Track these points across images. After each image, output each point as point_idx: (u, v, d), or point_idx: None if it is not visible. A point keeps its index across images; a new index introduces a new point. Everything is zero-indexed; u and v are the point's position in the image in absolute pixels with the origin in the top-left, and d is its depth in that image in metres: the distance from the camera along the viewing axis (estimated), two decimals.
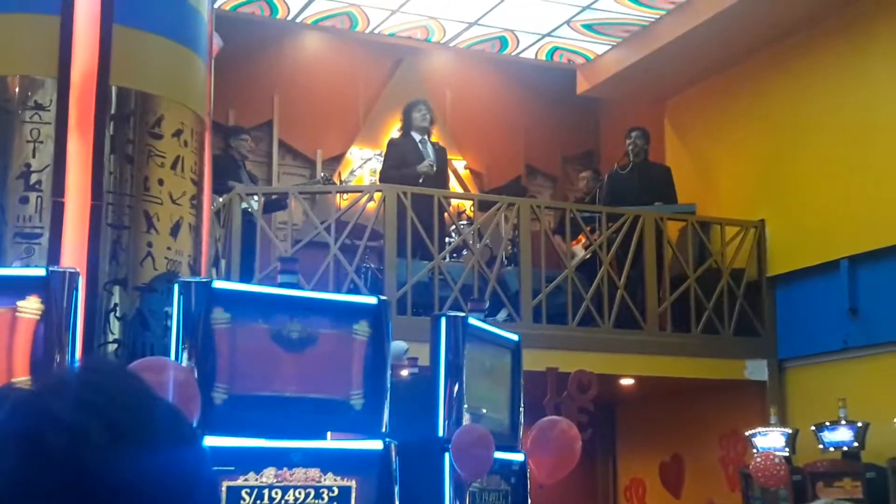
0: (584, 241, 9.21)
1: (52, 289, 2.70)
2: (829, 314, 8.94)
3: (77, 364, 2.40)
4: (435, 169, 8.96)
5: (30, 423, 0.84)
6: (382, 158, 9.47)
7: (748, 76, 9.99)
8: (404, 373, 5.18)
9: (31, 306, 2.67)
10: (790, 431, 8.56)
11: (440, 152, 9.24)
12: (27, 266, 3.08)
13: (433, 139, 9.30)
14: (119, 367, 0.97)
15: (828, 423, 8.23)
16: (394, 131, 9.78)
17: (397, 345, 5.65)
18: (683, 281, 9.13)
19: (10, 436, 0.84)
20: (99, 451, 0.84)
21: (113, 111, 3.38)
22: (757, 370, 9.36)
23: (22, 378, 2.68)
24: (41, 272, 2.77)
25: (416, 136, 9.06)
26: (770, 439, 8.49)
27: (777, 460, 8.04)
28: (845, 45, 9.07)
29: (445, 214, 8.84)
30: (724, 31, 9.45)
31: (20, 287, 2.74)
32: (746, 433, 8.76)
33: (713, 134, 10.44)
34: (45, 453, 0.83)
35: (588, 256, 9.08)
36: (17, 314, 2.68)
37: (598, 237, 8.96)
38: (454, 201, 9.68)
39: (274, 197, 8.79)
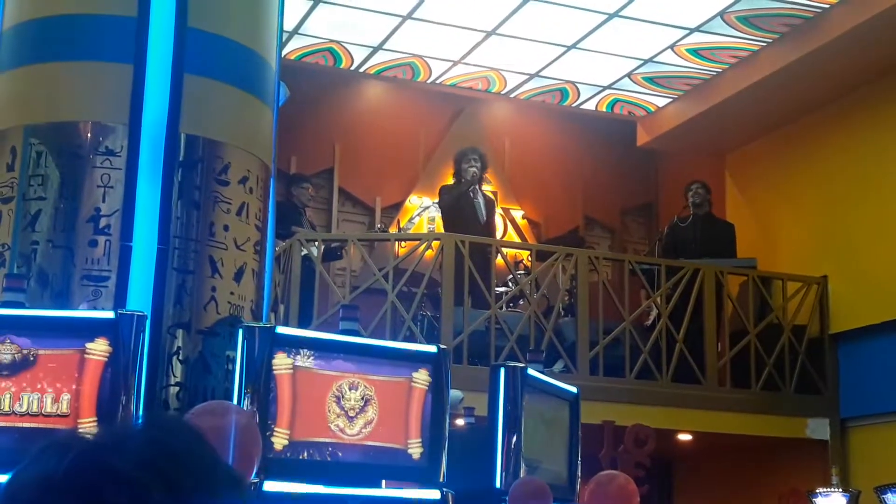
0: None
1: (120, 331, 2.73)
2: (895, 373, 8.75)
3: (140, 419, 2.41)
4: (485, 219, 9.02)
5: (92, 477, 0.85)
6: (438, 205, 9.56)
7: (809, 131, 9.91)
8: (460, 422, 5.16)
9: (99, 348, 2.71)
10: (852, 493, 8.36)
11: (489, 203, 9.28)
12: (94, 308, 3.13)
13: (489, 187, 9.34)
14: (181, 423, 0.97)
15: (891, 486, 8.03)
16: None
17: (453, 394, 5.63)
18: (743, 336, 9.01)
19: (72, 487, 0.85)
20: None
21: (181, 158, 3.45)
22: (819, 429, 9.18)
23: (87, 420, 2.72)
24: (110, 315, 2.82)
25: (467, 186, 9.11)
26: (832, 500, 8.29)
27: None
28: None
29: (502, 262, 8.84)
30: (786, 87, 9.40)
31: (89, 329, 2.78)
32: (807, 493, 8.57)
33: (774, 188, 10.35)
34: None
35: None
36: (86, 356, 2.72)
37: (657, 290, 8.90)
38: (510, 251, 9.69)
39: (333, 246, 8.86)
